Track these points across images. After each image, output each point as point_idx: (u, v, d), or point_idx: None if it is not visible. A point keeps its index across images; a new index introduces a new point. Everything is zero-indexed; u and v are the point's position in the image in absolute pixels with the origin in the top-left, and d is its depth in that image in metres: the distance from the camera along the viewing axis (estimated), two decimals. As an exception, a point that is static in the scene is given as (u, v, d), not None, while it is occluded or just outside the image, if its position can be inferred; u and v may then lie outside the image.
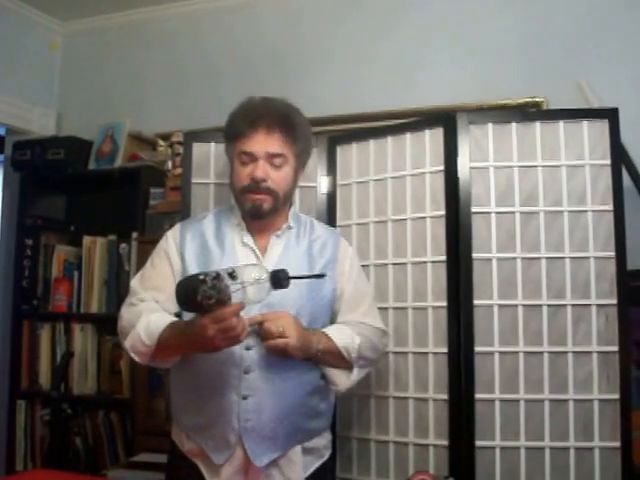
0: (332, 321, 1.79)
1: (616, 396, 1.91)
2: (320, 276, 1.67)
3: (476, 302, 1.99)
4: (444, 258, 2.03)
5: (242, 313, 1.45)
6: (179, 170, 2.71)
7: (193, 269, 1.67)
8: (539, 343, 1.96)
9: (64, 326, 3.17)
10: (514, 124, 2.06)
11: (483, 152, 2.06)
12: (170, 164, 2.97)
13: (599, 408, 1.92)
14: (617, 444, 1.89)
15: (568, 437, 1.92)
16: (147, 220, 2.98)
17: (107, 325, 3.03)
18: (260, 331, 1.61)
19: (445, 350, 2.00)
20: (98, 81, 3.52)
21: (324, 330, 1.72)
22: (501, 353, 1.98)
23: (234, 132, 1.76)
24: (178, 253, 1.75)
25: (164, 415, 2.72)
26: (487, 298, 2.00)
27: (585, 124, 2.02)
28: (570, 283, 1.97)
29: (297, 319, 1.64)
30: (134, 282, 1.78)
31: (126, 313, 1.71)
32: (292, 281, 1.49)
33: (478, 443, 1.95)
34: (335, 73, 3.01)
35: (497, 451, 1.95)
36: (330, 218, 2.23)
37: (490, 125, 2.07)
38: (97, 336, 3.14)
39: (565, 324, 1.96)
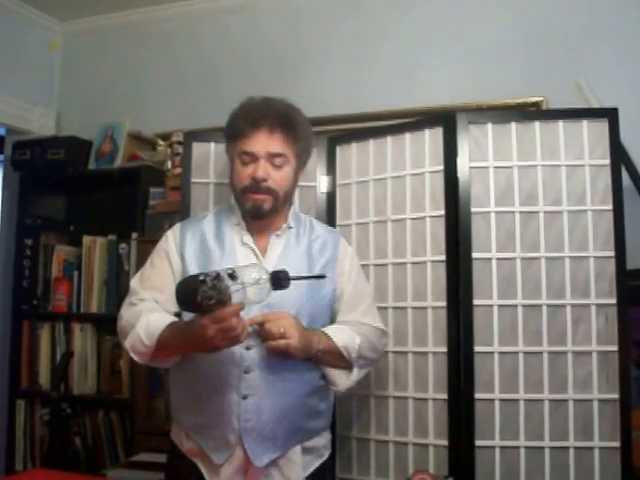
0: (332, 321, 1.79)
1: (616, 396, 1.91)
2: (320, 277, 1.67)
3: (476, 302, 1.99)
4: (444, 258, 2.03)
5: (242, 313, 1.45)
6: (179, 170, 2.71)
7: (193, 269, 1.67)
8: (539, 343, 1.96)
9: (64, 326, 3.17)
10: (514, 124, 2.06)
11: (483, 152, 2.06)
12: (170, 164, 2.97)
13: (599, 408, 1.92)
14: (617, 444, 1.89)
15: (568, 437, 1.92)
16: (147, 220, 2.98)
17: (107, 325, 3.03)
18: (261, 332, 1.61)
19: (445, 350, 2.00)
20: (98, 81, 3.52)
21: (324, 330, 1.72)
22: (501, 353, 1.98)
23: (235, 132, 1.76)
24: (178, 253, 1.76)
25: (164, 415, 2.72)
26: (487, 298, 2.00)
27: (585, 124, 2.02)
28: (570, 283, 1.97)
29: (297, 319, 1.64)
30: (134, 282, 1.78)
31: (126, 313, 1.71)
32: (292, 281, 1.49)
33: (478, 443, 1.95)
34: (335, 73, 3.01)
35: (497, 451, 1.95)
36: (330, 218, 2.23)
37: (490, 125, 2.07)
38: (97, 336, 3.14)
39: (565, 324, 1.96)
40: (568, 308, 1.96)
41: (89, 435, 3.03)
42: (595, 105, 2.44)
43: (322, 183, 2.27)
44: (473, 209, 2.03)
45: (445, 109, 2.56)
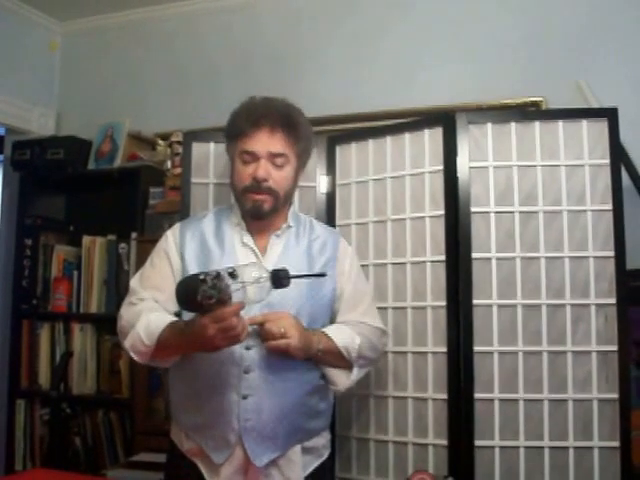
0: (331, 321, 1.80)
1: (615, 396, 1.91)
2: (321, 275, 1.67)
3: (475, 302, 1.99)
4: (443, 258, 2.03)
5: (242, 313, 1.45)
6: (178, 170, 2.71)
7: (193, 269, 1.67)
8: (538, 343, 1.96)
9: (63, 326, 3.17)
10: (513, 124, 2.06)
11: (482, 152, 2.06)
12: (169, 164, 2.97)
13: (598, 408, 1.92)
14: (616, 444, 1.89)
15: (567, 437, 1.92)
16: (146, 220, 2.98)
17: (106, 325, 3.04)
18: (261, 332, 1.61)
19: (444, 350, 2.00)
20: (97, 81, 3.52)
21: (324, 330, 1.72)
22: (500, 353, 1.98)
23: (236, 131, 1.76)
24: (178, 253, 1.76)
25: (163, 415, 2.72)
26: (486, 298, 2.00)
27: (584, 124, 2.02)
28: (569, 283, 1.97)
29: (297, 319, 1.64)
30: (134, 282, 1.78)
31: (126, 313, 1.71)
32: (292, 280, 1.49)
33: (477, 443, 1.95)
34: (334, 73, 3.01)
35: (496, 451, 1.95)
36: (329, 218, 2.23)
37: (489, 125, 2.07)
38: (96, 336, 3.14)
39: (564, 324, 1.96)
40: (568, 308, 1.96)
41: (89, 435, 3.03)
42: (595, 105, 2.44)
43: (322, 183, 2.27)
44: (473, 209, 2.03)
45: (445, 109, 2.55)
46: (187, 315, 1.58)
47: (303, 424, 1.70)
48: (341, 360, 1.72)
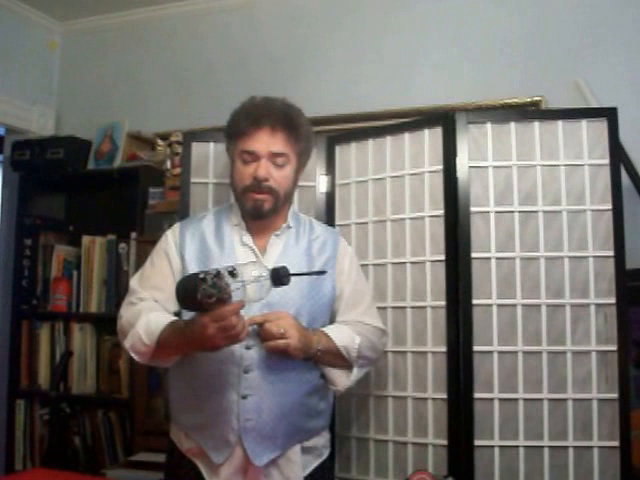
0: (331, 320, 1.80)
1: (615, 395, 1.91)
2: (321, 273, 1.66)
3: (475, 301, 1.99)
4: (443, 257, 2.03)
5: (242, 312, 1.45)
6: (178, 170, 2.71)
7: (193, 268, 1.67)
8: (538, 342, 1.96)
9: (63, 326, 3.17)
10: (513, 124, 2.06)
11: (482, 151, 2.06)
12: (169, 164, 2.96)
13: (598, 407, 1.92)
14: (616, 443, 1.89)
15: (567, 436, 1.92)
16: (146, 220, 2.98)
17: (106, 325, 3.04)
18: (261, 332, 1.61)
19: (444, 349, 2.00)
20: (97, 81, 3.52)
21: (324, 330, 1.72)
22: (500, 352, 1.98)
23: (236, 131, 1.76)
24: (178, 253, 1.76)
25: (163, 414, 2.72)
26: (486, 297, 2.00)
27: (584, 123, 2.02)
28: (569, 282, 1.97)
29: (297, 320, 1.65)
30: (133, 281, 1.78)
31: (126, 312, 1.71)
32: (292, 280, 1.49)
33: (477, 442, 1.95)
34: (334, 72, 3.01)
35: (496, 450, 1.95)
36: (329, 217, 2.23)
37: (489, 125, 2.07)
38: (96, 336, 3.14)
39: (564, 323, 1.96)
40: (567, 308, 1.96)
41: (88, 435, 3.04)
42: (594, 105, 2.44)
43: (321, 183, 2.27)
44: (472, 209, 2.03)
45: (444, 109, 2.56)
46: (187, 314, 1.58)
47: (303, 424, 1.70)
48: (341, 360, 1.72)
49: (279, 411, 1.64)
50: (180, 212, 2.20)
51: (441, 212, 2.05)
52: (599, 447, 1.90)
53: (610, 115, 2.00)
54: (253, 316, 1.59)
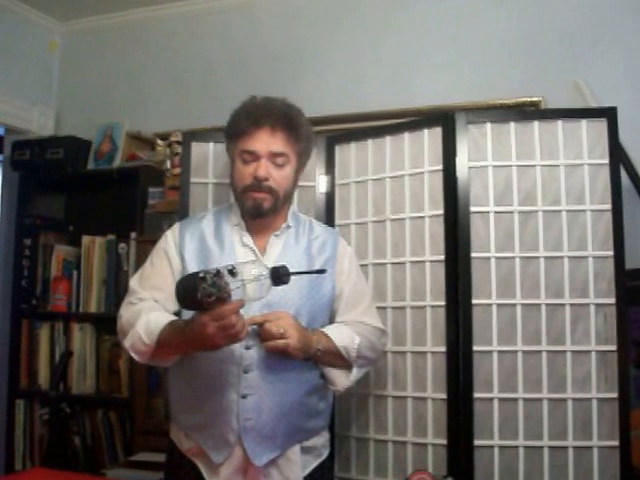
0: (331, 320, 1.80)
1: (615, 395, 1.91)
2: (321, 271, 1.66)
3: (474, 301, 1.99)
4: (443, 257, 2.03)
5: (242, 312, 1.45)
6: (178, 170, 2.71)
7: (192, 268, 1.66)
8: (538, 342, 1.96)
9: (63, 325, 3.17)
10: (512, 123, 2.06)
11: (481, 151, 2.06)
12: (169, 164, 2.96)
13: (598, 407, 1.92)
14: (616, 443, 1.89)
15: (567, 436, 1.92)
16: (146, 220, 2.98)
17: (106, 325, 3.04)
18: (261, 332, 1.61)
19: (444, 349, 2.00)
20: (97, 81, 3.52)
21: (323, 330, 1.72)
22: (500, 352, 1.98)
23: (236, 130, 1.76)
24: (177, 253, 1.76)
25: (163, 414, 2.72)
26: (486, 297, 2.00)
27: (583, 123, 2.02)
28: (568, 282, 1.97)
29: (297, 320, 1.65)
30: (133, 281, 1.78)
31: (125, 312, 1.71)
32: (292, 280, 1.49)
33: (476, 442, 1.95)
34: (334, 72, 3.01)
35: (495, 450, 1.95)
36: (328, 217, 2.23)
37: (488, 125, 2.07)
38: (96, 335, 3.14)
39: (564, 323, 1.96)
40: (567, 307, 1.96)
41: (88, 434, 3.04)
42: (593, 105, 2.44)
43: (321, 183, 2.27)
44: (472, 209, 2.03)
45: (444, 109, 2.55)
46: (187, 314, 1.58)
47: (302, 424, 1.70)
48: (340, 360, 1.72)
49: (279, 411, 1.64)
50: (180, 212, 2.20)
51: (441, 212, 2.05)
52: (599, 447, 1.90)
53: (610, 115, 2.00)
54: (253, 316, 1.59)
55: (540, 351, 1.96)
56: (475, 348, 1.98)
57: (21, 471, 3.05)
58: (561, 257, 1.98)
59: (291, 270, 1.48)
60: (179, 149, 2.65)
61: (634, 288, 2.07)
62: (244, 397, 1.62)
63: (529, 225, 2.01)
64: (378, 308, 1.93)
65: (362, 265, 2.01)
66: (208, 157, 2.22)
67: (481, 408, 1.96)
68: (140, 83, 3.42)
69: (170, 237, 1.80)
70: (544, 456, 1.93)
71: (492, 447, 1.95)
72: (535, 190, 2.02)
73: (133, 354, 1.63)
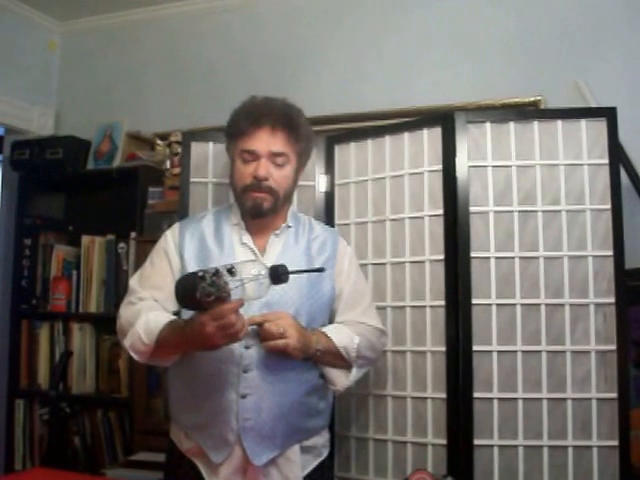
0: (330, 320, 1.80)
1: (614, 395, 1.91)
2: (320, 270, 1.66)
3: (474, 301, 1.99)
4: (442, 257, 2.03)
5: (241, 311, 1.45)
6: (177, 170, 2.71)
7: (192, 268, 1.66)
8: (537, 342, 1.96)
9: (63, 325, 3.17)
10: (512, 123, 2.06)
11: (481, 151, 2.06)
12: (168, 164, 2.97)
13: (597, 407, 1.92)
14: (615, 443, 1.89)
15: (566, 436, 1.92)
16: (145, 219, 2.98)
17: (105, 324, 3.04)
18: (260, 332, 1.61)
19: (443, 349, 2.00)
20: (96, 81, 3.52)
21: (323, 330, 1.72)
22: (499, 352, 1.98)
23: (236, 130, 1.76)
24: (177, 252, 1.76)
25: (162, 414, 2.72)
26: (485, 297, 2.00)
27: (583, 123, 2.02)
28: (568, 282, 1.97)
29: (296, 319, 1.65)
30: (133, 281, 1.78)
31: (125, 312, 1.71)
32: (291, 280, 1.49)
33: (476, 442, 1.95)
34: (334, 72, 3.01)
35: (495, 450, 1.95)
36: (328, 217, 2.23)
37: (488, 124, 2.07)
38: (95, 335, 3.14)
39: (563, 323, 1.96)
40: (567, 307, 1.96)
41: (88, 434, 3.04)
42: (593, 104, 2.45)
43: (321, 182, 2.27)
44: (472, 208, 2.03)
45: (443, 109, 2.56)
46: (186, 314, 1.58)
47: (302, 423, 1.70)
48: (340, 360, 1.72)
49: (278, 411, 1.64)
50: (179, 212, 2.20)
51: (440, 212, 2.05)
52: (598, 446, 1.90)
53: (609, 115, 2.00)
54: (252, 316, 1.59)
55: (540, 351, 1.96)
56: (475, 348, 1.98)
57: (21, 471, 3.05)
58: (561, 257, 1.98)
59: (290, 269, 1.47)
60: (179, 149, 2.66)
61: (634, 288, 2.07)
62: (243, 397, 1.62)
63: (529, 225, 2.01)
64: (378, 308, 1.93)
65: (362, 265, 2.01)
66: (208, 157, 2.22)
67: (481, 408, 1.96)
68: (140, 83, 3.42)
69: (170, 237, 1.80)
70: (544, 456, 1.93)
71: (492, 447, 1.95)
72: (535, 190, 2.02)
73: (132, 354, 1.63)
